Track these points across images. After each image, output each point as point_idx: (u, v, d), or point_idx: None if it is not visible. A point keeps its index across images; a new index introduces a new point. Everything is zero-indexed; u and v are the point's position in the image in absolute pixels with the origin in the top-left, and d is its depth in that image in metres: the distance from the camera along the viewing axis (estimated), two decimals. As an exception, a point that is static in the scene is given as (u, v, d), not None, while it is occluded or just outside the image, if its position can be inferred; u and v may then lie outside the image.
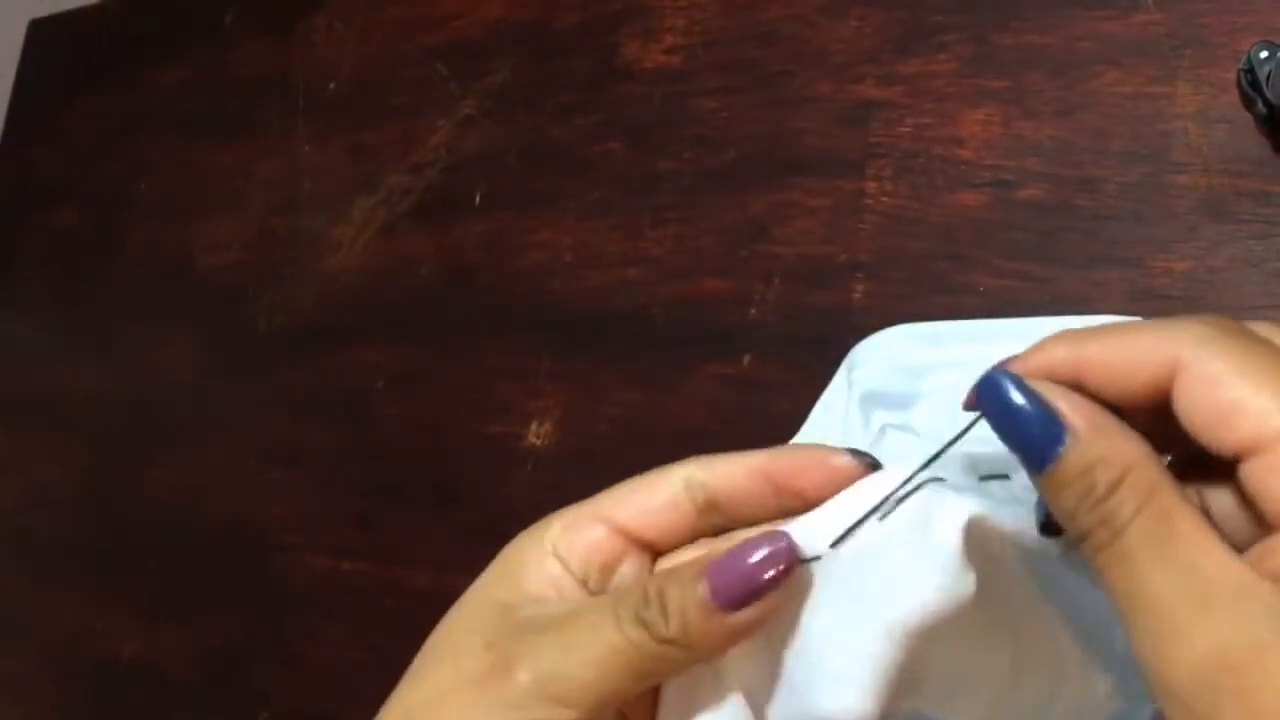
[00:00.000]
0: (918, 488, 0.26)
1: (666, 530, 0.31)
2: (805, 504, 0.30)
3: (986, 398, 0.25)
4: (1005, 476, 0.28)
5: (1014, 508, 0.26)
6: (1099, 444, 0.24)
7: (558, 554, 0.31)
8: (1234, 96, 0.52)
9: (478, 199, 0.76)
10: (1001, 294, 0.56)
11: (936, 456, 0.27)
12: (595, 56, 0.73)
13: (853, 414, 0.57)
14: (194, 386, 0.88)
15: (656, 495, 0.31)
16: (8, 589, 0.95)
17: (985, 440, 0.42)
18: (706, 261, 0.65)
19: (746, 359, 0.62)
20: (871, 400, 0.57)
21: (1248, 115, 0.52)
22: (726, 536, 0.31)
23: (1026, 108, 0.58)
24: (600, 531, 0.31)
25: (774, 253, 0.63)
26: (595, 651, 0.28)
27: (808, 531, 0.28)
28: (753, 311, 0.62)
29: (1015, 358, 0.26)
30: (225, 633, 0.79)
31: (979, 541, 0.25)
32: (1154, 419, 0.25)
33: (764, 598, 0.27)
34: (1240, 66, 0.50)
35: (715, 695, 0.29)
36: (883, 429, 0.55)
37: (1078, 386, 0.25)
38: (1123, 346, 0.25)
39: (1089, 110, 0.56)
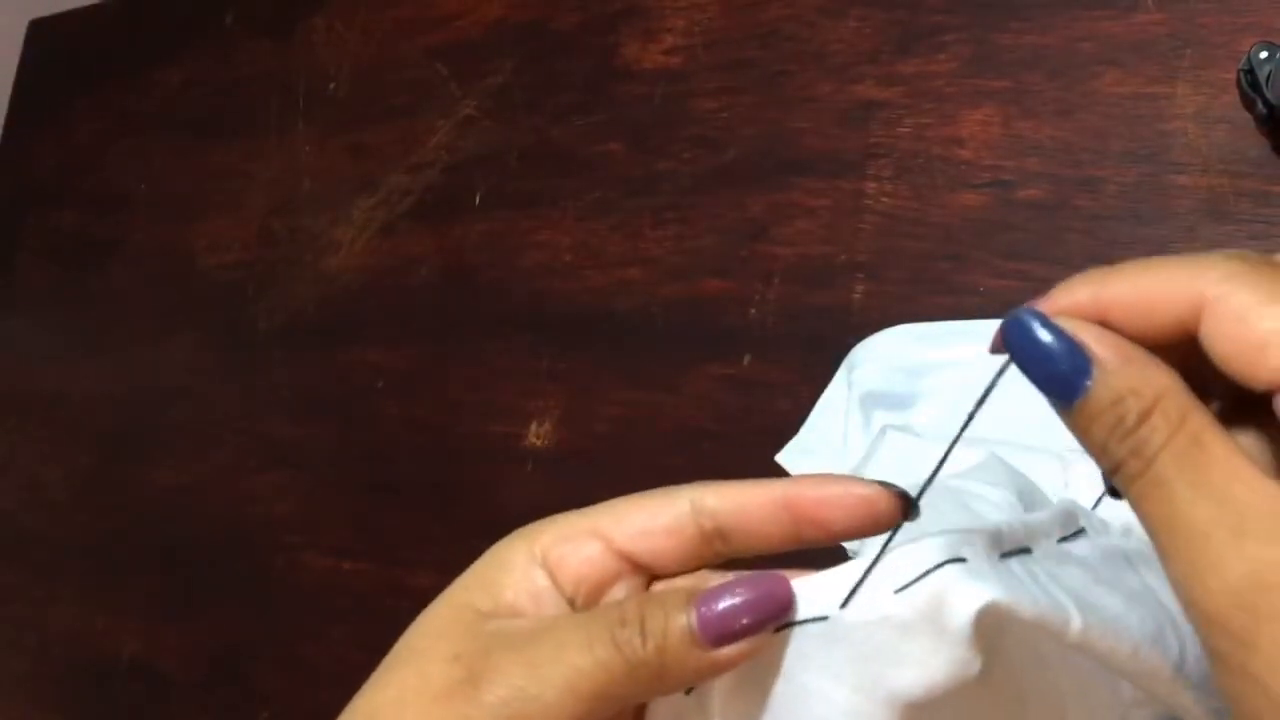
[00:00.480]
0: (939, 565, 0.26)
1: (666, 555, 0.30)
2: (828, 536, 0.29)
3: (1011, 336, 0.25)
4: (1027, 551, 0.28)
5: (1031, 587, 0.26)
6: (1127, 374, 0.23)
7: (547, 565, 0.30)
8: (1234, 97, 0.52)
9: (478, 199, 0.76)
10: (1001, 294, 0.56)
11: (971, 418, 0.27)
12: (595, 57, 0.73)
13: (853, 414, 0.57)
14: (194, 386, 0.88)
15: (659, 517, 0.30)
16: (8, 588, 0.95)
17: (1009, 506, 0.42)
18: (706, 261, 0.65)
19: (746, 359, 0.62)
20: (872, 400, 0.57)
21: (1248, 115, 0.52)
22: (720, 573, 0.30)
23: (1026, 108, 0.58)
24: (595, 549, 0.30)
25: (774, 253, 0.63)
26: (562, 672, 0.27)
27: (811, 587, 0.27)
28: (753, 311, 0.62)
29: (1038, 299, 0.26)
30: (225, 633, 0.79)
31: (991, 622, 0.25)
32: (1181, 358, 0.24)
33: (752, 639, 0.27)
34: (1240, 67, 0.50)
35: None
36: (883, 430, 0.55)
37: (1103, 324, 0.24)
38: (1146, 284, 0.24)
39: (1089, 110, 0.56)
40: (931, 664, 0.25)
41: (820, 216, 0.62)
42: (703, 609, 0.27)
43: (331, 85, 0.86)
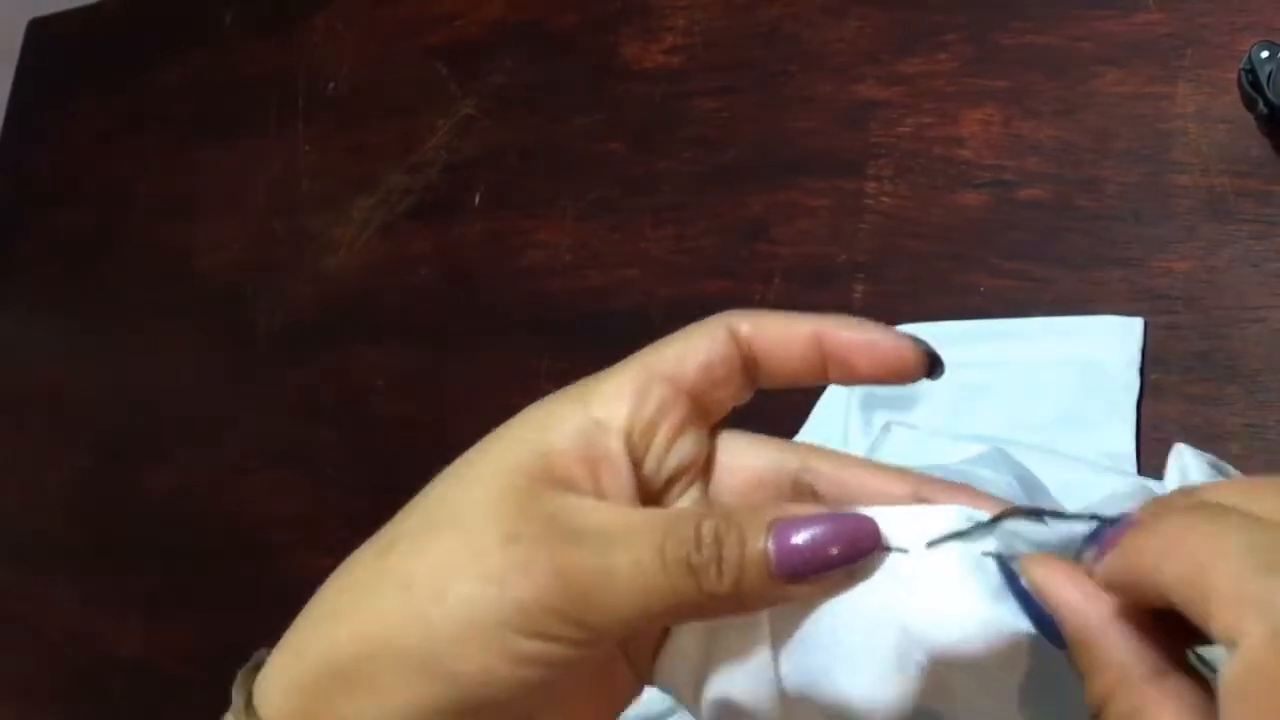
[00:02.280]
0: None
1: (717, 385, 0.29)
2: (852, 378, 0.29)
3: (1011, 586, 0.25)
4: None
5: None
6: (1083, 654, 0.23)
7: (608, 425, 0.28)
8: (1235, 97, 0.51)
9: (477, 199, 0.76)
10: (1002, 294, 0.56)
11: (1059, 514, 0.26)
12: (595, 57, 0.73)
13: (853, 414, 0.57)
14: (194, 386, 0.88)
15: (703, 345, 0.29)
16: (8, 588, 0.95)
17: (1012, 492, 0.41)
18: (706, 261, 0.65)
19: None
20: (872, 401, 0.57)
21: (1248, 115, 0.51)
22: (778, 505, 0.27)
23: (1027, 108, 0.57)
24: (652, 396, 0.28)
25: (774, 253, 0.63)
26: (633, 589, 0.26)
27: (890, 520, 0.26)
28: (753, 312, 0.62)
29: (1117, 560, 0.24)
30: (225, 633, 0.79)
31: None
32: None
33: (830, 576, 0.26)
34: (1241, 66, 0.50)
35: (742, 642, 0.27)
36: (887, 425, 0.55)
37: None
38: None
39: (1089, 110, 0.56)
40: (992, 630, 0.24)
41: (820, 216, 0.62)
42: (781, 539, 0.26)
43: (331, 85, 0.86)
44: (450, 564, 0.26)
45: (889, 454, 0.55)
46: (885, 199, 0.60)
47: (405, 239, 0.78)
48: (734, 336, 0.29)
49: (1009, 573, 0.25)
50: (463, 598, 0.26)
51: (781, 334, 0.29)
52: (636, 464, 0.28)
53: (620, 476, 0.28)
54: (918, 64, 0.61)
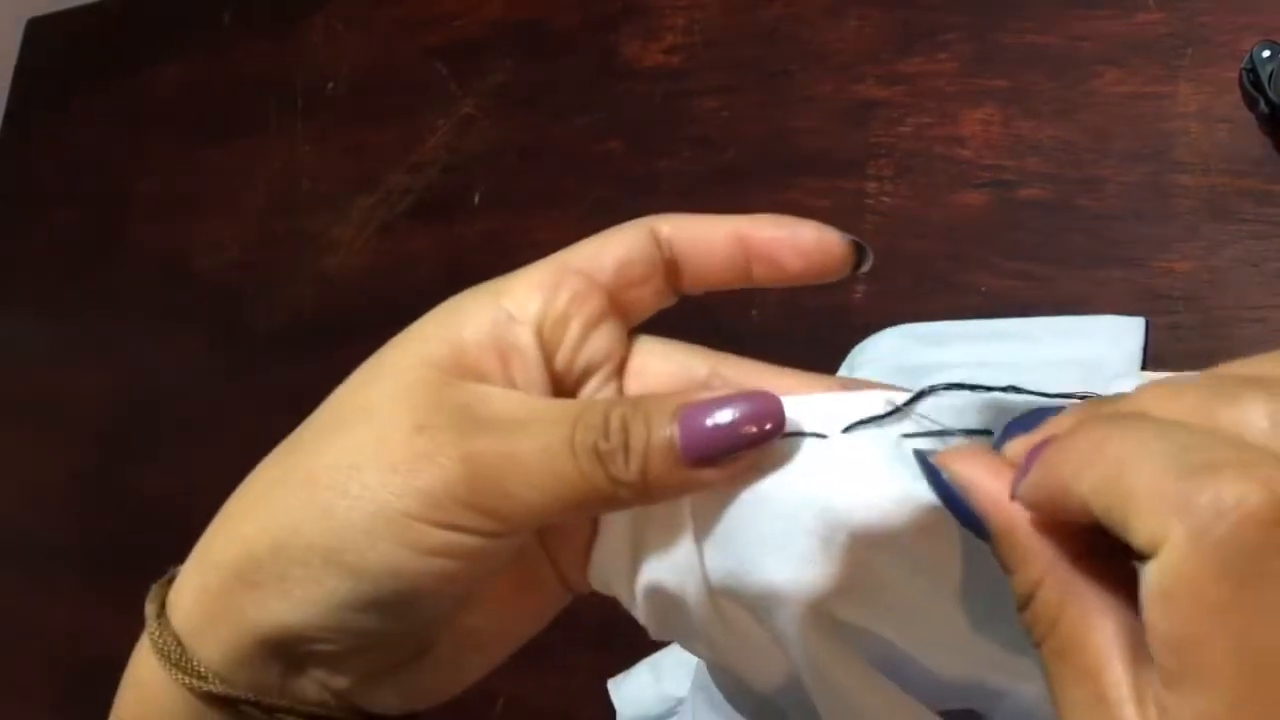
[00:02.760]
0: (936, 433, 0.25)
1: (634, 286, 0.28)
2: (780, 276, 0.28)
3: (932, 481, 0.24)
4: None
5: None
6: (1009, 554, 0.22)
7: (519, 317, 0.27)
8: (1236, 96, 0.51)
9: (477, 199, 0.76)
10: (1002, 294, 0.56)
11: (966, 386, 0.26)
12: (595, 56, 0.73)
13: (854, 414, 0.57)
14: (193, 386, 0.88)
15: (622, 244, 0.28)
16: (7, 589, 0.94)
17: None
18: (707, 261, 0.64)
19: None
20: (872, 401, 0.57)
21: (1249, 115, 0.51)
22: (686, 391, 0.27)
23: (1027, 107, 0.57)
24: (567, 289, 0.27)
25: (774, 253, 0.63)
26: (542, 476, 0.25)
27: (807, 407, 0.26)
28: (753, 312, 0.62)
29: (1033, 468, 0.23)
30: (225, 633, 0.79)
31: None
32: None
33: (737, 459, 0.25)
34: (1242, 66, 0.50)
35: (667, 536, 0.27)
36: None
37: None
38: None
39: (1090, 110, 0.56)
40: (912, 506, 0.24)
41: (821, 216, 0.61)
42: (687, 424, 0.25)
43: (330, 84, 0.86)
44: (356, 456, 0.26)
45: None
46: (886, 199, 0.60)
47: (405, 239, 0.78)
48: (655, 237, 0.29)
49: (929, 468, 0.24)
50: (368, 487, 0.25)
51: (703, 234, 0.29)
52: (548, 357, 0.27)
53: (531, 368, 0.27)
54: (918, 64, 0.61)
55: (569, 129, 0.73)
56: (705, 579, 0.27)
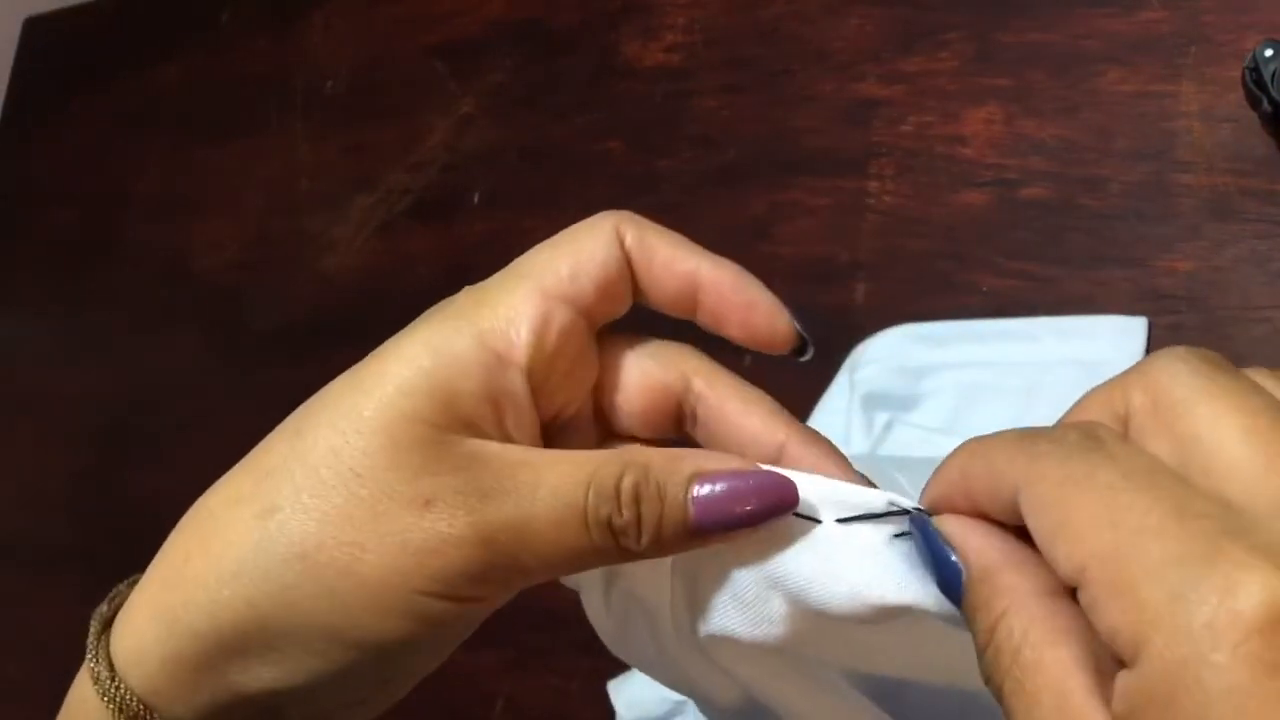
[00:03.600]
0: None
1: (605, 297, 0.27)
2: (718, 331, 0.28)
3: (917, 542, 0.25)
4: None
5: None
6: (976, 589, 0.22)
7: (508, 359, 0.26)
8: (1239, 95, 0.51)
9: (477, 198, 0.75)
10: (1004, 294, 0.56)
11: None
12: (595, 55, 0.73)
13: (855, 415, 0.57)
14: (192, 386, 0.87)
15: (599, 254, 0.28)
16: (5, 590, 0.94)
17: None
18: (707, 261, 0.64)
19: (747, 359, 0.62)
20: (873, 401, 0.56)
21: (1252, 114, 0.51)
22: (695, 456, 0.26)
23: (1029, 106, 0.57)
24: (552, 319, 0.26)
25: (775, 252, 0.62)
26: (555, 549, 0.25)
27: (811, 487, 0.26)
28: (754, 311, 0.62)
29: (934, 474, 0.25)
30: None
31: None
32: None
33: (742, 532, 0.26)
34: (1245, 65, 0.50)
35: (648, 566, 0.28)
36: (889, 423, 0.55)
37: (972, 505, 0.23)
38: (985, 463, 0.23)
39: (1092, 109, 0.56)
40: (878, 614, 0.25)
41: (822, 216, 0.62)
42: (701, 503, 0.25)
43: (329, 83, 0.86)
44: (355, 532, 0.25)
45: (891, 452, 0.55)
46: (887, 198, 0.60)
47: (404, 238, 0.78)
48: (621, 244, 0.28)
49: (918, 519, 0.25)
50: (375, 568, 0.24)
51: (662, 262, 0.28)
52: (536, 395, 0.27)
53: (524, 413, 0.27)
54: (919, 62, 0.61)
55: (569, 129, 0.73)
56: (671, 603, 0.28)
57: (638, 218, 0.29)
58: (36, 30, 1.10)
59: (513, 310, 0.27)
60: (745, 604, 0.26)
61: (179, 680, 0.26)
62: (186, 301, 0.90)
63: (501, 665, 0.64)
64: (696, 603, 0.27)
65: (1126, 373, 0.23)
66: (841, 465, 0.27)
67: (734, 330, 0.28)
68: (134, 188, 0.96)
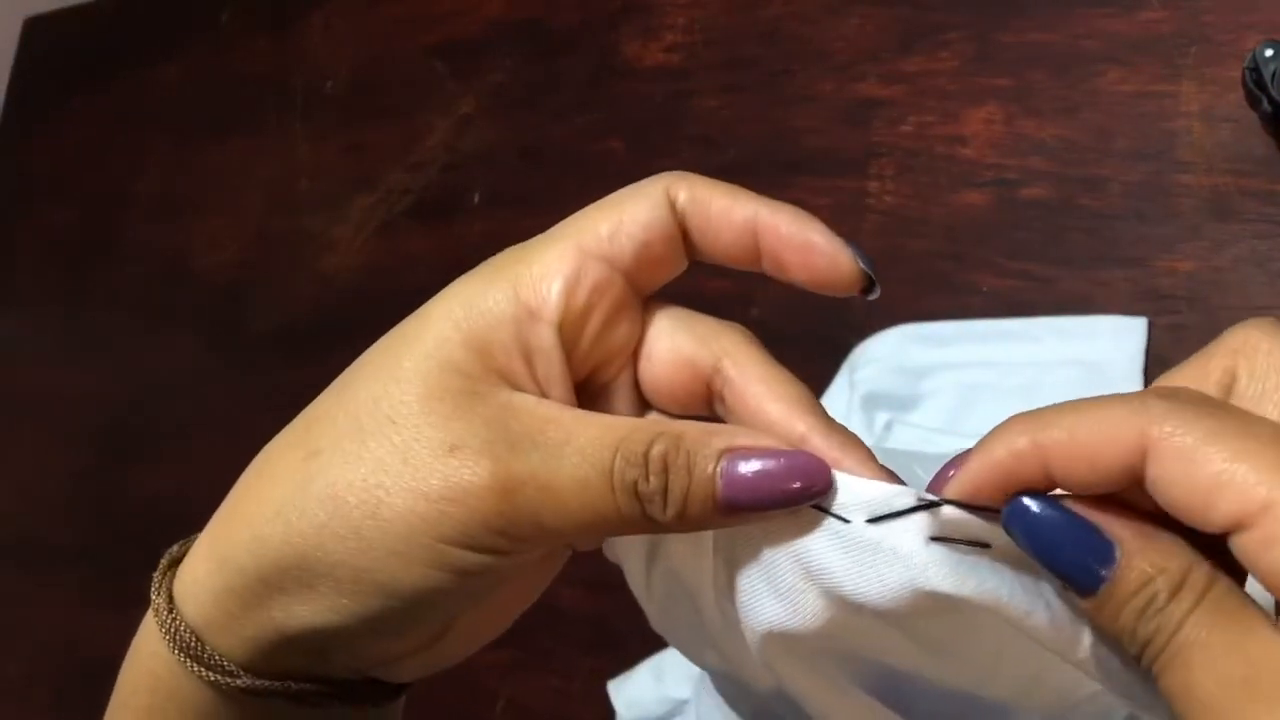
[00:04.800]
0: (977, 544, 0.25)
1: (646, 258, 0.27)
2: (783, 276, 0.28)
3: (1021, 525, 0.23)
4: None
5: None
6: (1153, 553, 0.22)
7: (540, 313, 0.26)
8: (1239, 95, 0.51)
9: (477, 198, 0.75)
10: (1004, 294, 0.56)
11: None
12: (595, 55, 0.73)
13: (855, 415, 0.57)
14: (192, 386, 0.87)
15: (640, 213, 0.27)
16: (5, 590, 0.94)
17: None
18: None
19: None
20: (874, 401, 0.56)
21: (1253, 114, 0.51)
22: (729, 431, 0.26)
23: (1029, 106, 0.57)
24: (589, 276, 0.26)
25: (775, 252, 0.62)
26: (578, 509, 0.25)
27: (850, 484, 0.25)
28: (754, 311, 0.62)
29: (973, 452, 0.24)
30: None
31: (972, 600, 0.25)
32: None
33: (771, 514, 0.25)
34: (1245, 65, 0.50)
35: (688, 543, 0.27)
36: (889, 423, 0.55)
37: (1044, 475, 0.23)
38: (1087, 428, 0.22)
39: (1092, 109, 0.56)
40: (913, 604, 0.25)
41: (822, 216, 0.61)
42: (730, 476, 0.25)
43: (329, 83, 0.86)
44: (383, 475, 0.25)
45: (892, 451, 0.55)
46: (887, 198, 0.60)
47: (404, 238, 0.78)
48: (671, 205, 0.27)
49: (1055, 516, 0.23)
50: (399, 512, 0.25)
51: (717, 212, 0.27)
52: (569, 352, 0.27)
53: (554, 367, 0.27)
54: (919, 62, 0.61)
55: (569, 129, 0.73)
56: (714, 585, 0.27)
57: (690, 175, 0.28)
58: (36, 30, 1.10)
59: (547, 266, 0.27)
60: (782, 594, 0.26)
61: (228, 614, 0.27)
62: (186, 301, 0.90)
63: (502, 665, 0.64)
64: (736, 588, 0.27)
65: (1203, 352, 0.24)
66: (866, 461, 0.26)
67: (797, 273, 0.27)
68: (134, 187, 0.96)
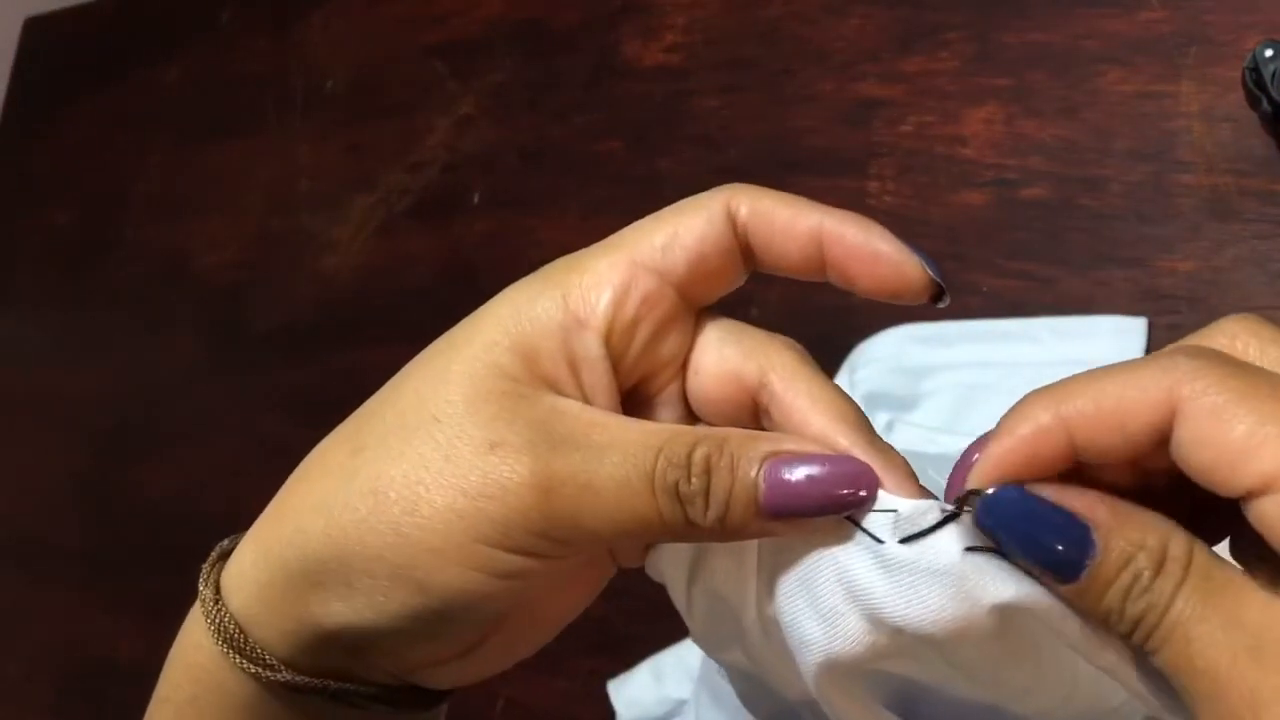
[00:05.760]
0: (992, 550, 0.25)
1: (710, 272, 0.27)
2: (849, 287, 0.27)
3: (995, 519, 0.23)
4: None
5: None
6: (1131, 531, 0.22)
7: (588, 322, 0.26)
8: (1239, 95, 0.51)
9: (477, 198, 0.75)
10: (1004, 294, 0.56)
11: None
12: (595, 55, 0.73)
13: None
14: (192, 386, 0.87)
15: (695, 227, 0.27)
16: (4, 590, 0.94)
17: None
18: (707, 261, 0.64)
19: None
20: (874, 401, 0.56)
21: (1252, 114, 0.51)
22: (774, 437, 0.26)
23: (1029, 106, 0.57)
24: (639, 287, 0.26)
25: (775, 252, 0.62)
26: (618, 510, 0.25)
27: (896, 500, 0.25)
28: (754, 311, 0.62)
29: (996, 433, 0.23)
30: (223, 634, 0.79)
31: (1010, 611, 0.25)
32: (1140, 474, 0.23)
33: (815, 519, 0.25)
34: (1245, 65, 0.50)
35: (731, 558, 0.27)
36: (890, 423, 0.55)
37: (1069, 448, 0.22)
38: (1113, 392, 0.22)
39: (1092, 109, 0.56)
40: (942, 615, 0.24)
41: (822, 216, 0.62)
42: (773, 480, 0.24)
43: (329, 83, 0.86)
44: (424, 472, 0.25)
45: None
46: (887, 198, 0.60)
47: (404, 238, 0.78)
48: (731, 219, 0.27)
49: (1032, 504, 0.23)
50: (438, 509, 0.25)
51: (782, 225, 0.27)
52: (616, 362, 0.27)
53: (600, 376, 0.27)
54: (919, 62, 0.61)
55: (569, 129, 0.73)
56: (757, 603, 0.27)
57: (753, 188, 0.28)
58: (36, 30, 1.10)
59: (598, 276, 0.27)
60: (824, 616, 0.25)
61: (270, 607, 0.27)
62: (186, 301, 0.90)
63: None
64: (778, 609, 0.26)
65: (1188, 341, 0.24)
66: (906, 481, 0.26)
67: (865, 283, 0.27)
68: (134, 188, 0.96)
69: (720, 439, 0.25)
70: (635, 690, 0.58)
